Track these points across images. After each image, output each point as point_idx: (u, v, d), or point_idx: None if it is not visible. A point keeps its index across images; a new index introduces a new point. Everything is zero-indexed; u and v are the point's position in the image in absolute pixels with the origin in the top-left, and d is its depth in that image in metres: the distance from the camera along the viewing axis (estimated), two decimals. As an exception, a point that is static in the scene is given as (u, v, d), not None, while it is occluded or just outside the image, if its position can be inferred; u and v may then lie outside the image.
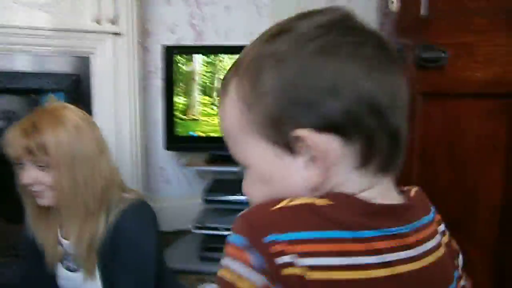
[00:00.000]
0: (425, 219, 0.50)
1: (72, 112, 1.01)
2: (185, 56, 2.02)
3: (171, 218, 2.17)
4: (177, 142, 2.11)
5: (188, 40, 2.27)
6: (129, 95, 1.88)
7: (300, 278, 0.40)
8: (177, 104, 2.05)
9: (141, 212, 1.02)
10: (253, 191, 0.51)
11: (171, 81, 2.04)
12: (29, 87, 1.75)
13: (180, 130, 2.09)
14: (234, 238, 0.44)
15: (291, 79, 0.44)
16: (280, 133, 0.45)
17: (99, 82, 1.82)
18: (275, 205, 0.44)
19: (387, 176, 0.48)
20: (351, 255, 0.42)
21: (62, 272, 1.07)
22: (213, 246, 2.03)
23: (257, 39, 0.49)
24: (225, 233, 1.91)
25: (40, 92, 1.78)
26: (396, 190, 0.50)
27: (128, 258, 0.98)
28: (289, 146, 0.45)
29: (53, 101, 1.08)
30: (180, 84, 2.04)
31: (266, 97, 0.45)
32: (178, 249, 2.05)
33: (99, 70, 1.81)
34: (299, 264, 0.41)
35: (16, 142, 0.94)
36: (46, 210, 1.02)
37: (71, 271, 1.06)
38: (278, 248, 0.41)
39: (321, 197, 0.45)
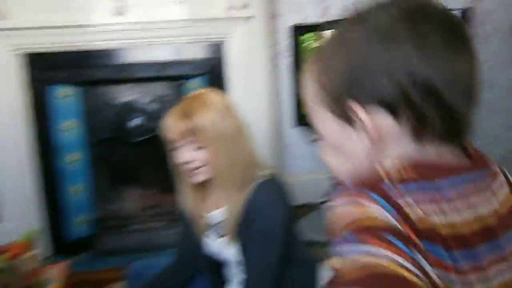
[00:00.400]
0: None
1: (216, 96, 1.11)
2: (312, 33, 2.04)
3: (301, 192, 2.25)
4: (305, 119, 2.17)
5: (315, 17, 2.27)
6: (260, 75, 1.99)
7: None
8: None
9: (273, 188, 1.09)
10: (328, 157, 0.59)
11: (299, 59, 2.09)
12: (173, 74, 1.97)
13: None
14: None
15: (354, 62, 0.52)
16: (341, 107, 0.53)
17: (233, 65, 1.96)
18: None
19: (448, 145, 0.52)
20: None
21: (207, 240, 1.22)
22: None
23: (339, 24, 0.56)
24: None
25: (183, 78, 1.99)
26: (461, 156, 0.54)
27: (258, 228, 1.07)
28: (348, 119, 0.53)
29: (198, 88, 1.19)
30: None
31: (333, 77, 0.53)
32: (308, 221, 2.14)
33: (233, 53, 1.95)
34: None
35: (174, 126, 1.07)
36: (195, 186, 1.16)
37: (214, 239, 1.19)
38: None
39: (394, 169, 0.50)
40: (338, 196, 0.51)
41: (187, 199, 1.19)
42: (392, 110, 0.50)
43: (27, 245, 1.21)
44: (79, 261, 1.91)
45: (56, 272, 1.28)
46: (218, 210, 1.15)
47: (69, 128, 1.95)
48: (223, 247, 1.17)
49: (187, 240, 1.28)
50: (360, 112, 0.51)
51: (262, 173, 1.11)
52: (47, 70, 1.86)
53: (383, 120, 0.51)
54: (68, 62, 1.88)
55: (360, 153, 0.54)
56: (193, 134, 1.05)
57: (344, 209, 0.49)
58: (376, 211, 0.47)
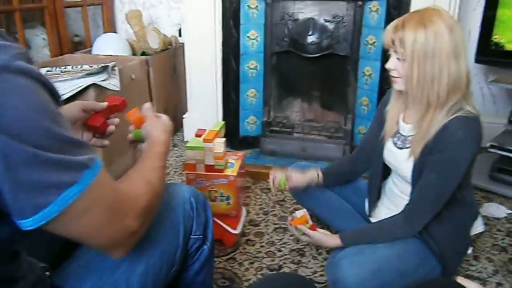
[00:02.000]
0: None
1: (439, 18, 1.09)
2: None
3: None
4: (490, 55, 1.99)
5: None
6: (446, 5, 1.85)
7: None
8: (501, 15, 1.90)
9: (471, 125, 1.09)
10: None
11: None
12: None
13: (496, 43, 1.95)
14: None
15: None
16: None
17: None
18: None
19: None
20: None
21: (389, 145, 1.30)
22: (505, 168, 1.95)
23: None
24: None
25: (364, -1, 1.98)
26: None
27: (445, 160, 1.11)
28: None
29: (431, 6, 1.17)
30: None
31: None
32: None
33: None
34: None
35: (387, 33, 1.15)
36: (400, 92, 1.23)
37: (397, 147, 1.27)
38: None
39: None
40: None
41: (391, 102, 1.29)
42: None
43: (217, 133, 1.48)
44: (245, 155, 2.22)
45: (235, 159, 1.55)
46: (410, 124, 1.23)
47: (253, 37, 2.15)
48: (400, 159, 1.25)
49: (371, 139, 1.39)
50: None
51: (466, 108, 1.11)
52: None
53: None
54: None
55: None
56: (397, 45, 1.12)
57: None
58: None
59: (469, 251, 1.30)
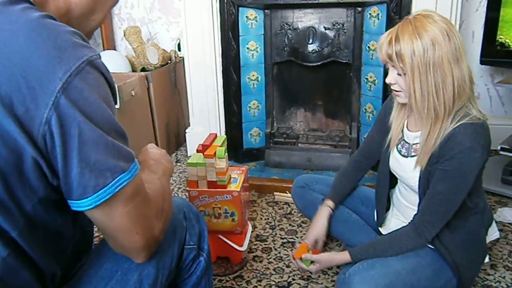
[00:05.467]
0: None
1: (433, 24, 1.04)
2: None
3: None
4: (495, 56, 1.95)
5: None
6: (447, 7, 1.82)
7: None
8: (505, 15, 1.86)
9: (478, 132, 1.05)
10: None
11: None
12: (353, 0, 1.94)
13: (501, 43, 1.91)
14: None
15: None
16: None
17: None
18: None
19: None
20: None
21: (394, 153, 1.25)
22: (519, 171, 1.90)
23: None
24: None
25: (362, 5, 1.94)
26: None
27: (453, 168, 1.06)
28: None
29: (421, 12, 1.12)
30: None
31: None
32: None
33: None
34: None
35: (382, 48, 1.10)
36: (403, 104, 1.18)
37: (401, 155, 1.22)
38: None
39: None
40: None
41: (394, 111, 1.25)
42: None
43: (219, 147, 1.44)
44: (250, 168, 2.18)
45: (239, 174, 1.51)
46: (415, 132, 1.19)
47: (253, 49, 2.12)
48: (406, 168, 1.20)
49: (373, 143, 1.37)
50: None
51: (472, 113, 1.07)
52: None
53: None
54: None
55: None
56: (393, 59, 1.07)
57: None
58: None
59: (486, 259, 1.25)
